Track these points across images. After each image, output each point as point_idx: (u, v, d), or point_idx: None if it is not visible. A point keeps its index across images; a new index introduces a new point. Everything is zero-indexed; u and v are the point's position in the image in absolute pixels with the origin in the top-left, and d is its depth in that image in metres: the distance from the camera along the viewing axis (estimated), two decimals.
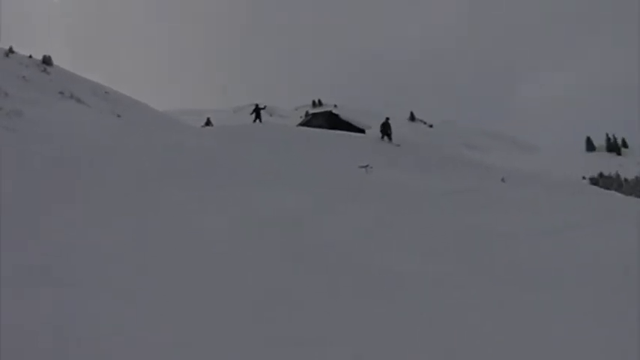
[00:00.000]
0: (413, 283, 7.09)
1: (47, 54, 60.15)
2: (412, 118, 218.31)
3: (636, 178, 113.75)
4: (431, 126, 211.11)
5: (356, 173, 18.49)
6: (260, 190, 12.07)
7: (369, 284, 6.87)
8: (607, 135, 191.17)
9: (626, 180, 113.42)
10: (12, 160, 11.77)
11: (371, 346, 5.01)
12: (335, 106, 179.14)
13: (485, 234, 10.53)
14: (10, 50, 57.51)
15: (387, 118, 32.41)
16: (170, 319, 4.90)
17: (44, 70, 53.48)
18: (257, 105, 36.68)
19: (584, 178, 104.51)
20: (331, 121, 47.91)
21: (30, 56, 59.24)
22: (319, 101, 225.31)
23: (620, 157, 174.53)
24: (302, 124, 48.37)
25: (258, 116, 36.02)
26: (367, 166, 19.81)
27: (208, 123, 44.00)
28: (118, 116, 41.40)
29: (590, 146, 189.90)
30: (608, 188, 52.91)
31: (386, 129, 31.28)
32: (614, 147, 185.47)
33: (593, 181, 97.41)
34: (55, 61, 59.89)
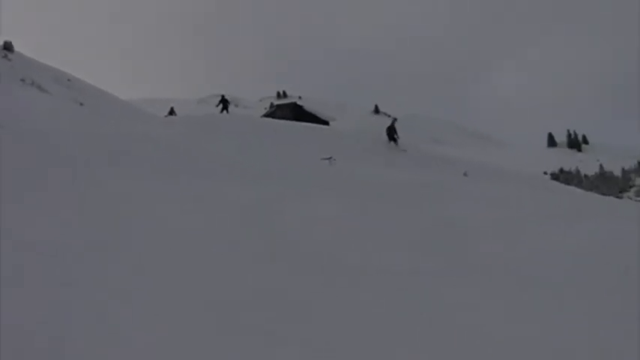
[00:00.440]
0: (384, 276, 6.98)
1: (8, 40, 58.35)
2: (376, 110, 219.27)
3: (596, 174, 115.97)
4: (395, 119, 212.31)
5: (320, 165, 18.31)
6: (225, 183, 11.79)
7: (338, 277, 6.73)
8: (568, 131, 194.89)
9: (586, 176, 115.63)
10: None
11: (338, 340, 4.90)
12: (300, 97, 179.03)
13: (452, 227, 10.49)
14: None
15: (394, 121, 31.00)
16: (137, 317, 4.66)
17: (5, 57, 52.23)
18: (223, 96, 36.52)
19: (545, 173, 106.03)
20: (296, 112, 47.85)
21: None
22: (284, 92, 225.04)
23: (580, 153, 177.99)
24: (266, 116, 48.21)
25: (225, 107, 35.87)
26: (330, 158, 19.63)
27: (172, 113, 43.43)
28: (81, 104, 40.55)
29: (551, 142, 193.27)
30: (568, 184, 53.82)
31: (392, 132, 29.72)
32: (575, 143, 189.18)
33: (554, 177, 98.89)
34: (17, 47, 58.21)
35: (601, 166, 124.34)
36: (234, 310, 5.24)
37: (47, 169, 10.35)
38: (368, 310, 5.77)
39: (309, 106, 53.38)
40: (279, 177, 14.02)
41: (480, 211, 12.14)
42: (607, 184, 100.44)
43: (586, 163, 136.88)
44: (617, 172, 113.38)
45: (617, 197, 65.91)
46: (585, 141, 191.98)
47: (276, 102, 79.47)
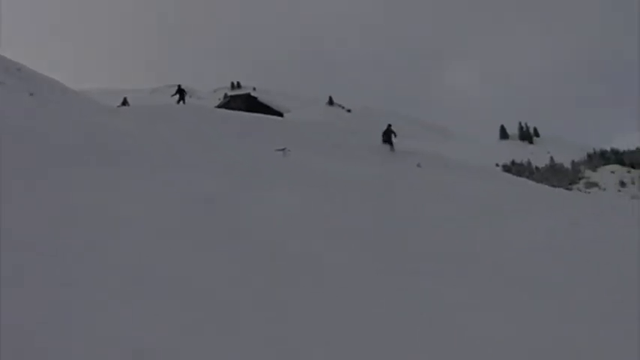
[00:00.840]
0: (335, 269, 6.93)
1: None
2: (330, 102, 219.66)
3: (546, 166, 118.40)
4: (349, 110, 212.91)
5: (273, 157, 18.20)
6: (177, 174, 11.58)
7: (287, 271, 6.63)
8: (520, 124, 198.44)
9: (537, 168, 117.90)
10: None
11: (278, 333, 4.82)
12: (254, 88, 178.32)
13: (406, 219, 10.53)
14: None
15: (389, 125, 30.67)
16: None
17: None
18: (180, 86, 36.17)
19: (497, 165, 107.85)
20: (249, 103, 47.79)
21: None
22: (238, 84, 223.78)
23: (532, 145, 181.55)
24: (220, 106, 47.90)
25: (181, 97, 35.57)
26: (284, 149, 19.52)
27: (125, 103, 42.85)
28: (31, 94, 39.41)
29: (503, 134, 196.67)
30: (520, 175, 54.79)
31: (388, 136, 29.55)
32: (527, 136, 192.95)
33: (506, 169, 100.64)
34: None
35: (551, 159, 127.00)
36: (156, 298, 5.15)
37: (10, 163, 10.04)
38: (302, 298, 5.74)
39: (263, 97, 53.39)
40: (232, 168, 13.87)
41: (432, 202, 12.24)
42: (557, 176, 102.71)
43: (537, 156, 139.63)
44: (567, 165, 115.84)
45: (567, 189, 67.47)
46: (537, 133, 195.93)
47: (231, 93, 79.21)
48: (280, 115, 45.05)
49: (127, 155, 13.20)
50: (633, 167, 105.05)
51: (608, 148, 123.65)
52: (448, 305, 6.20)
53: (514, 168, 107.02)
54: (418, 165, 23.33)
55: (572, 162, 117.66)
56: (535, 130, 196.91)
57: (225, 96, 60.70)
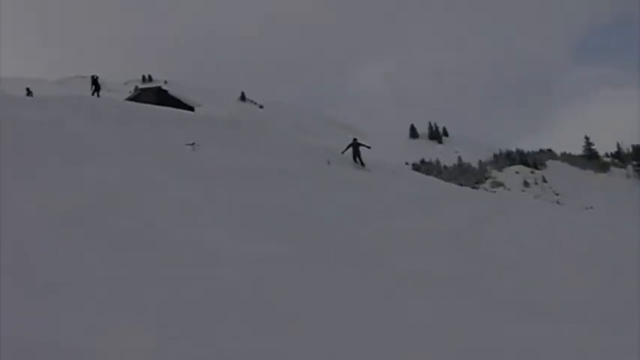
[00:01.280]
0: (235, 261, 6.90)
1: None
2: (243, 97, 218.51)
3: (454, 165, 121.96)
4: (261, 107, 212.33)
5: (182, 151, 17.89)
6: (83, 166, 11.20)
7: (185, 262, 6.56)
8: (430, 123, 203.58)
9: (445, 167, 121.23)
10: None
11: (174, 320, 4.80)
12: (165, 82, 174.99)
13: (311, 213, 10.59)
14: None
15: (355, 139, 28.48)
16: None
17: None
18: (94, 77, 35.06)
19: (407, 163, 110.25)
20: (160, 97, 47.15)
21: None
22: (149, 76, 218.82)
23: (441, 145, 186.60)
24: (130, 99, 46.90)
25: (96, 89, 34.49)
26: (194, 144, 19.26)
27: (29, 93, 41.05)
28: None
29: (413, 134, 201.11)
30: (428, 174, 56.15)
31: (357, 151, 27.38)
32: (436, 135, 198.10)
33: (415, 167, 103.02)
34: None
35: (459, 158, 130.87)
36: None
37: None
38: (181, 284, 5.78)
39: (174, 91, 52.78)
40: (140, 162, 13.54)
41: (341, 197, 12.33)
42: (465, 175, 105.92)
43: (446, 155, 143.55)
44: (475, 164, 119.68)
45: (474, 188, 69.65)
46: (446, 133, 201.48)
47: (141, 86, 77.68)
48: (191, 109, 44.61)
49: (32, 149, 12.66)
50: (537, 168, 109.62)
51: (514, 149, 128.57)
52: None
53: (423, 167, 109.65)
54: (328, 162, 23.45)
55: (480, 162, 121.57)
56: (444, 129, 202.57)
57: (136, 89, 59.34)
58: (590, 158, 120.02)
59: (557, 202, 78.20)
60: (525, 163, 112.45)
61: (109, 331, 4.36)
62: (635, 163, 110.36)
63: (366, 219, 10.89)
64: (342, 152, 26.60)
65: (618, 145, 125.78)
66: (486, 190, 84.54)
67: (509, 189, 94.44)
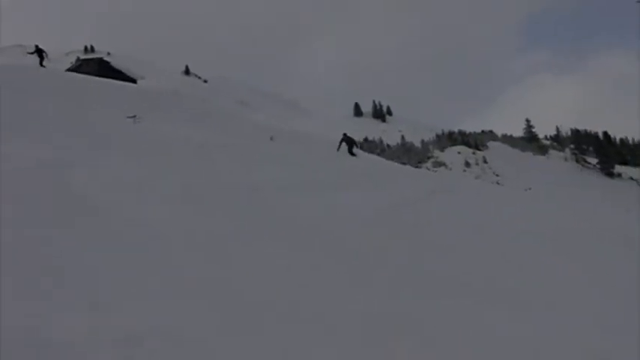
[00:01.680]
0: (161, 233, 6.90)
1: None
2: (187, 71, 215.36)
3: (398, 144, 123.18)
4: (205, 81, 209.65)
5: (123, 124, 17.62)
6: (10, 143, 10.89)
7: (123, 238, 6.52)
8: (374, 102, 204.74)
9: (388, 146, 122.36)
10: None
11: (104, 297, 4.80)
12: (108, 53, 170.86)
13: (252, 189, 10.63)
14: None
15: (345, 134, 27.67)
16: None
17: None
18: (37, 46, 33.71)
19: None
20: (102, 68, 46.31)
21: None
22: (92, 47, 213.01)
23: (384, 123, 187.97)
24: (71, 70, 45.82)
25: (41, 58, 33.26)
26: (135, 116, 18.98)
27: None
28: None
29: (357, 112, 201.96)
30: (371, 152, 56.66)
31: (351, 146, 26.49)
32: (380, 114, 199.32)
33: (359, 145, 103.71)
34: None
35: (402, 137, 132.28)
36: None
37: None
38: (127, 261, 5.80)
39: (117, 63, 51.90)
40: (78, 135, 13.29)
41: (282, 172, 12.42)
42: (407, 154, 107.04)
43: (389, 133, 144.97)
44: (418, 144, 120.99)
45: (416, 167, 70.64)
46: (389, 112, 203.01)
47: (83, 57, 75.35)
48: (134, 81, 43.94)
49: None
50: (478, 149, 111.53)
51: (456, 130, 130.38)
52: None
53: (366, 145, 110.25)
54: (271, 138, 23.51)
55: (422, 141, 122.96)
56: (388, 108, 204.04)
57: (78, 59, 57.96)
58: (530, 140, 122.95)
59: (498, 183, 79.91)
60: (467, 144, 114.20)
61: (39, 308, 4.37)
62: (572, 146, 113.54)
63: (306, 195, 11.02)
64: (338, 149, 25.92)
65: (557, 129, 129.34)
66: (428, 169, 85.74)
67: (450, 169, 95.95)
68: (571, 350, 5.74)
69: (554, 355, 5.56)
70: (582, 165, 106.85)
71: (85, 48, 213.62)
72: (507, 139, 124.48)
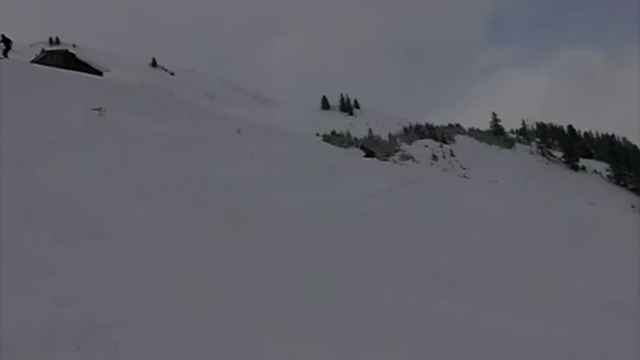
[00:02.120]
0: (126, 226, 6.92)
1: None
2: (154, 64, 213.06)
3: (365, 137, 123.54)
4: (172, 74, 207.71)
5: (87, 116, 17.42)
6: None
7: (87, 231, 6.52)
8: (341, 95, 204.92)
9: (356, 139, 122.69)
10: None
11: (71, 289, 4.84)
12: (74, 45, 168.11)
13: (217, 181, 10.66)
14: None
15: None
16: None
17: None
18: (4, 35, 32.93)
19: (318, 134, 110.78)
20: (67, 60, 45.65)
21: None
22: (57, 39, 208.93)
23: (351, 117, 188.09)
24: (35, 62, 45.11)
25: (7, 48, 32.53)
26: (100, 109, 18.76)
27: None
28: None
29: (325, 105, 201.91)
30: (339, 146, 56.84)
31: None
32: (347, 107, 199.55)
33: (326, 138, 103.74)
34: None
35: (370, 130, 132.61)
36: None
37: None
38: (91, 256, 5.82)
39: (83, 55, 51.29)
40: (40, 127, 13.14)
41: (246, 165, 12.45)
42: (375, 147, 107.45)
43: (356, 127, 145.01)
44: (385, 137, 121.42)
45: (384, 160, 70.98)
46: (357, 105, 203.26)
47: (48, 48, 74.41)
48: (100, 74, 43.45)
49: None
50: (445, 142, 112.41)
51: (424, 123, 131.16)
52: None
53: (333, 138, 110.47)
54: (238, 131, 23.45)
55: (390, 135, 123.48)
56: (356, 101, 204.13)
57: (42, 51, 57.07)
58: (496, 134, 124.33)
59: (464, 176, 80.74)
60: (434, 137, 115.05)
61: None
62: (538, 140, 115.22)
63: (274, 189, 11.07)
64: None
65: (523, 123, 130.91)
66: (395, 162, 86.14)
67: (418, 162, 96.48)
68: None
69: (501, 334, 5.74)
70: (548, 158, 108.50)
71: (50, 40, 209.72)
72: (474, 133, 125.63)
